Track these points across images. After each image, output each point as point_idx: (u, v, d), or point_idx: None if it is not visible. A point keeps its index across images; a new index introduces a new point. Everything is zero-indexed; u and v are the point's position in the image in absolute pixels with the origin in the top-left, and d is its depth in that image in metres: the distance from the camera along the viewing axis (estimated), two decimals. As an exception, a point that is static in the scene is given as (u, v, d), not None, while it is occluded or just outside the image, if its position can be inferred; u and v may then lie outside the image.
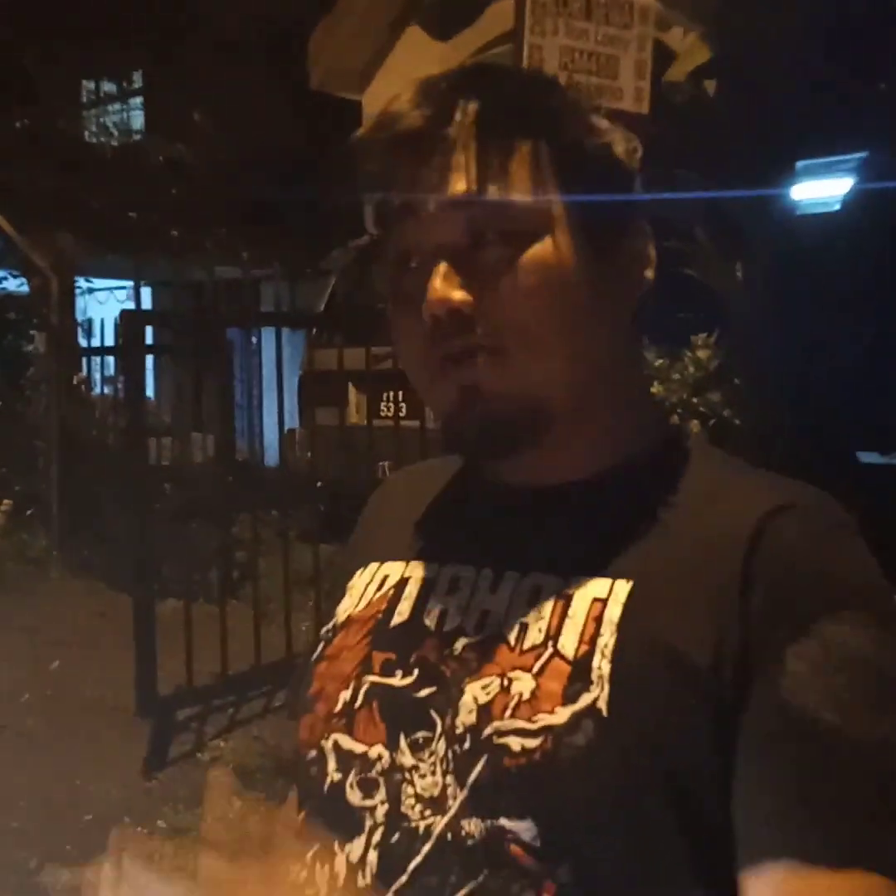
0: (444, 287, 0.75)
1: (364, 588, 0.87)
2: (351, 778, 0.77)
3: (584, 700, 0.71)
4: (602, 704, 0.70)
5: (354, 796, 0.76)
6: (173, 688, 4.51)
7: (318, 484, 5.25)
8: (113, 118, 9.12)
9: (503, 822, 0.70)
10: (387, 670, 0.79)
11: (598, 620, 0.73)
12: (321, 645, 0.86)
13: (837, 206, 4.06)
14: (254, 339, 6.12)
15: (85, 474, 6.74)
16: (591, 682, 0.71)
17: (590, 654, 0.72)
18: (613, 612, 0.74)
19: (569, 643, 0.73)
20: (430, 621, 0.80)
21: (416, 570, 0.84)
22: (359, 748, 0.77)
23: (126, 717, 4.47)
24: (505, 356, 0.76)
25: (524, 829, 0.69)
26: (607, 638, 0.73)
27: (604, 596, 0.75)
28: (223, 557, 5.14)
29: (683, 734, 0.70)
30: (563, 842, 0.69)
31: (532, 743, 0.70)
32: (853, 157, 4.19)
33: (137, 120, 9.34)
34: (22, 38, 7.59)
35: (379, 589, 0.85)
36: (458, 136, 0.76)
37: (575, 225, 0.78)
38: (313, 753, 0.80)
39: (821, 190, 4.44)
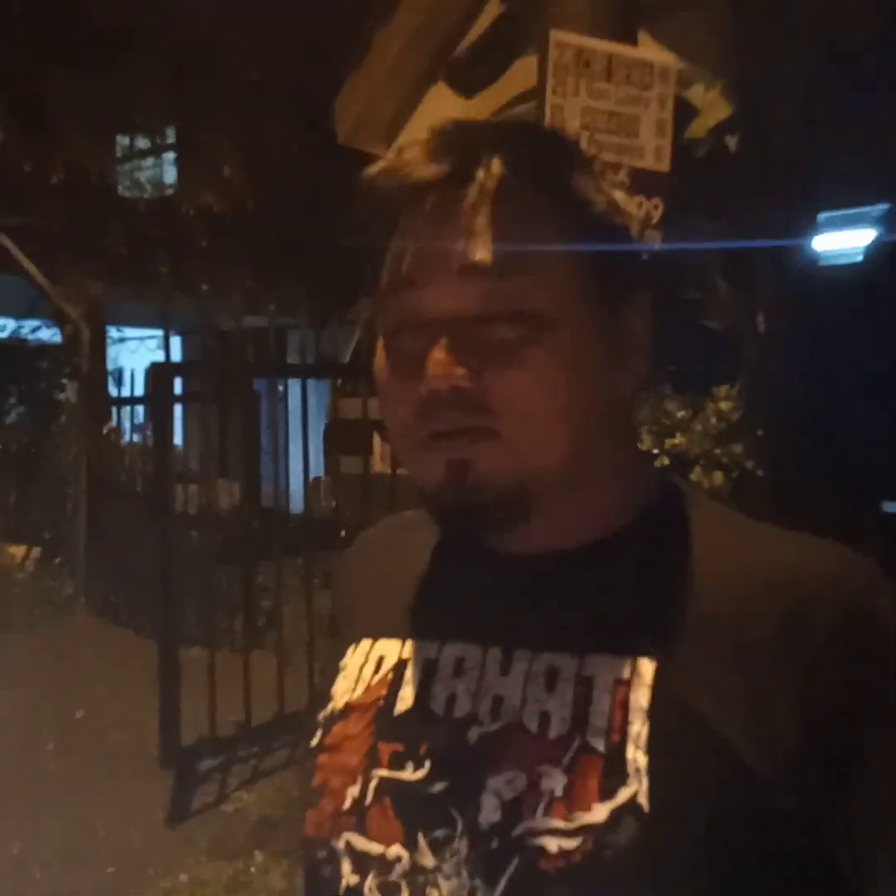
0: (448, 363, 0.71)
1: (359, 670, 0.81)
2: (369, 881, 0.72)
3: (623, 795, 0.66)
4: (642, 799, 0.66)
5: None
6: (196, 738, 4.52)
7: (343, 532, 5.27)
8: (146, 172, 9.32)
9: None
10: (396, 763, 0.74)
11: (625, 706, 0.69)
12: (320, 733, 0.81)
13: (860, 258, 4.07)
14: (280, 388, 6.18)
15: (113, 521, 6.79)
16: (628, 775, 0.67)
17: (622, 745, 0.68)
18: (641, 697, 0.69)
19: (597, 733, 0.68)
20: (437, 708, 0.74)
21: (415, 650, 0.78)
22: (375, 849, 0.72)
23: (149, 767, 4.47)
24: (497, 439, 0.72)
25: None
26: (638, 727, 0.68)
27: (627, 677, 0.70)
28: (248, 605, 5.15)
29: (733, 826, 0.66)
30: None
31: (570, 843, 0.66)
32: (875, 209, 4.21)
33: (170, 174, 9.54)
34: (57, 92, 7.79)
35: (376, 671, 0.80)
36: (479, 199, 0.71)
37: (590, 312, 0.74)
38: (324, 853, 0.75)
39: (843, 241, 4.46)
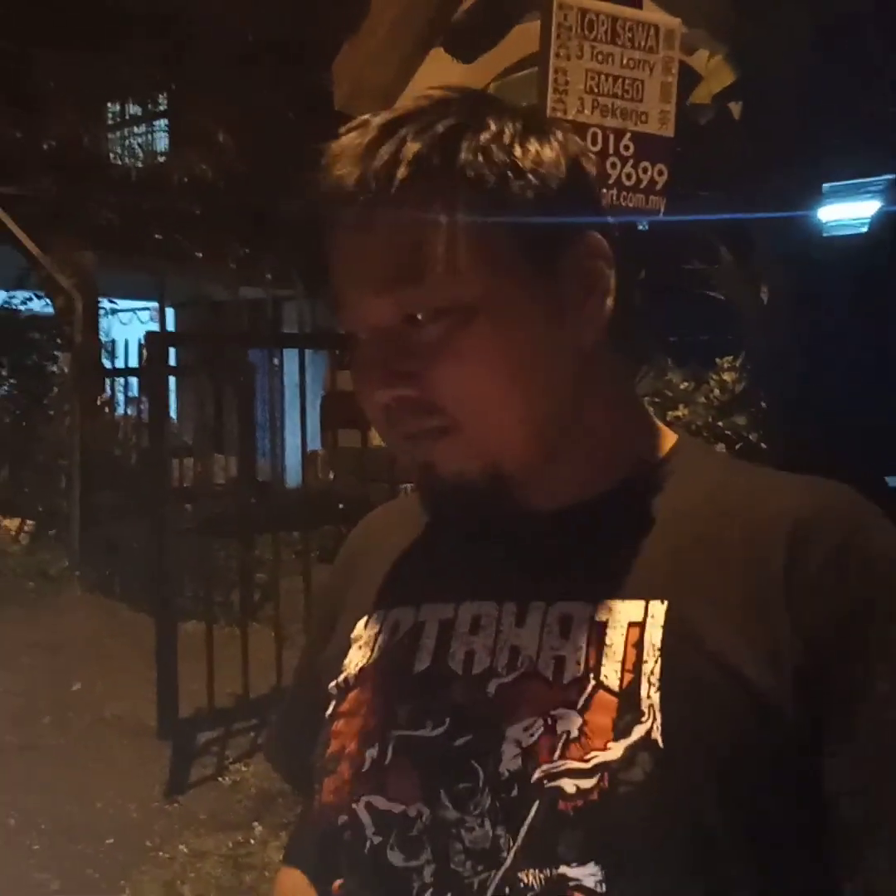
0: (387, 375, 0.73)
1: (374, 638, 0.81)
2: (391, 839, 0.72)
3: (638, 732, 0.67)
4: (657, 735, 0.67)
5: (396, 858, 0.72)
6: (194, 710, 4.50)
7: (340, 506, 5.24)
8: (138, 139, 9.20)
9: (563, 869, 0.66)
10: (415, 722, 0.74)
11: (639, 646, 0.70)
12: (333, 702, 0.81)
13: (864, 229, 4.03)
14: (276, 360, 6.13)
15: (107, 494, 6.76)
16: (642, 713, 0.68)
17: (636, 684, 0.69)
18: (654, 636, 0.70)
19: (611, 674, 0.70)
20: (456, 665, 0.75)
21: (429, 614, 0.79)
22: (396, 808, 0.73)
23: (147, 739, 4.46)
24: (459, 433, 0.73)
25: (588, 874, 0.66)
26: (651, 664, 0.69)
27: (640, 619, 0.71)
28: (245, 579, 5.13)
29: (746, 755, 0.67)
30: (630, 883, 0.66)
31: (587, 783, 0.67)
32: (880, 180, 4.16)
33: (162, 141, 9.42)
34: (47, 61, 7.68)
35: (392, 637, 0.80)
36: (379, 211, 0.71)
37: (513, 282, 0.73)
38: (345, 818, 0.75)
39: (848, 212, 4.42)
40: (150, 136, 9.37)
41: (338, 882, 0.77)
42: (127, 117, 9.40)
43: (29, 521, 7.28)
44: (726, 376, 3.83)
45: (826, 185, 4.33)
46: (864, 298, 3.94)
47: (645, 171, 2.96)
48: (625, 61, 2.94)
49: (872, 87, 3.90)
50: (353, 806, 0.75)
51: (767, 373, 3.80)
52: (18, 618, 6.13)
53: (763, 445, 3.71)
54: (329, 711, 0.81)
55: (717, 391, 3.83)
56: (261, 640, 4.74)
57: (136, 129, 9.36)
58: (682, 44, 3.46)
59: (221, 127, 7.60)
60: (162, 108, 9.26)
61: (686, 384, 3.79)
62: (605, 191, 2.89)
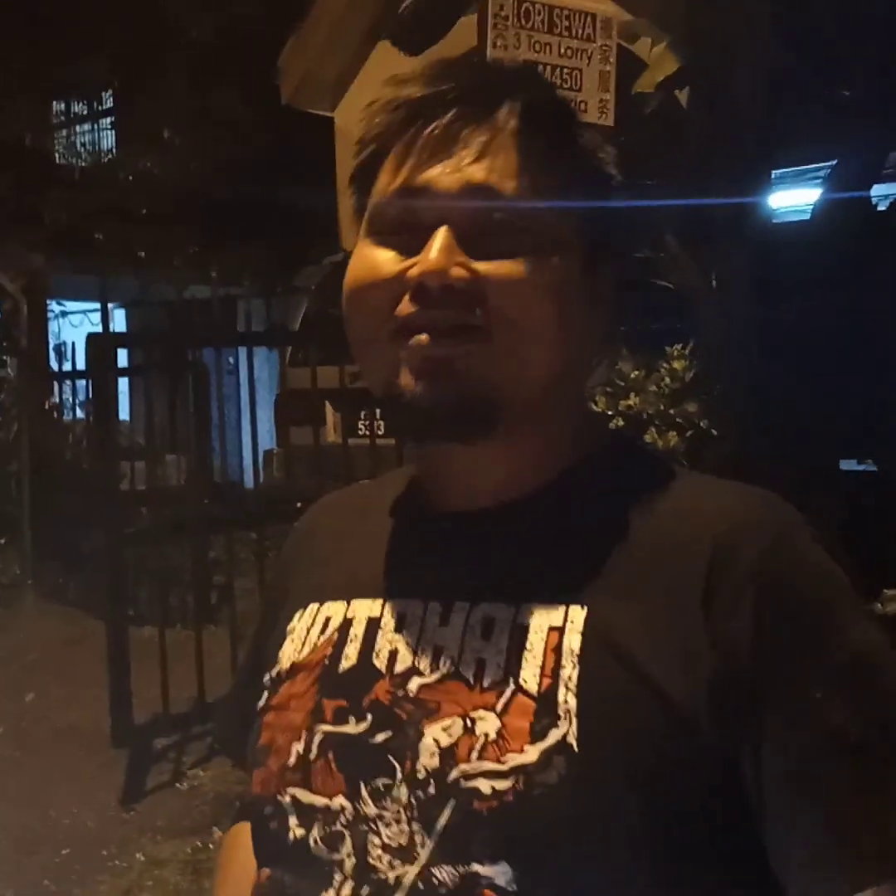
0: (443, 256, 0.72)
1: (306, 632, 0.83)
2: (315, 832, 0.73)
3: (553, 736, 0.68)
4: (572, 739, 0.68)
5: (320, 851, 0.73)
6: (150, 716, 4.44)
7: (298, 504, 5.19)
8: (83, 138, 9.07)
9: (476, 867, 0.67)
10: (339, 718, 0.76)
11: (558, 651, 0.71)
12: (266, 694, 0.83)
13: (810, 214, 4.06)
14: (231, 359, 6.06)
15: (58, 499, 6.66)
16: (559, 717, 0.69)
17: (554, 688, 0.70)
18: (572, 642, 0.71)
19: (530, 678, 0.71)
20: (379, 663, 0.76)
21: (359, 609, 0.80)
22: (319, 801, 0.74)
23: (102, 747, 4.39)
24: (486, 342, 0.73)
25: (499, 873, 0.67)
26: (569, 670, 0.70)
27: (559, 624, 0.72)
28: (200, 580, 5.07)
29: (660, 762, 0.67)
30: (540, 883, 0.67)
31: (503, 784, 0.68)
32: (825, 166, 4.19)
33: (108, 139, 9.29)
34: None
35: (322, 632, 0.81)
36: (503, 121, 0.74)
37: (577, 256, 0.77)
38: (271, 809, 0.77)
39: (796, 198, 4.44)
40: (96, 135, 9.25)
41: (265, 871, 0.78)
42: (72, 115, 9.26)
43: (-21, 529, 7.15)
44: (676, 364, 3.82)
45: (775, 172, 4.34)
46: (813, 283, 3.96)
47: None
48: (562, 51, 2.94)
49: (822, 72, 3.91)
50: (279, 798, 0.76)
51: (718, 359, 3.81)
52: (-30, 627, 6.02)
53: (714, 432, 3.71)
54: (261, 703, 0.83)
55: (667, 379, 3.82)
56: (218, 642, 4.69)
57: (81, 128, 9.23)
58: (624, 32, 3.46)
59: (167, 123, 7.52)
60: (107, 105, 9.14)
61: (636, 373, 3.78)
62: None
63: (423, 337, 0.73)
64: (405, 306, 0.74)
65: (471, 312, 0.73)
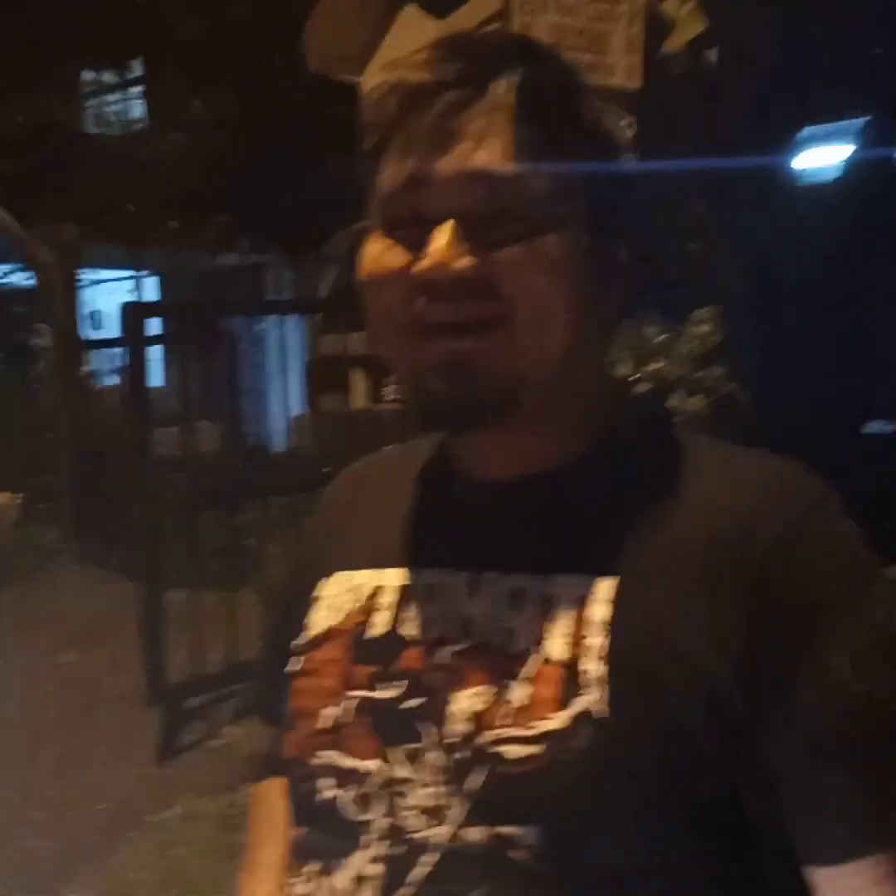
0: (452, 250, 0.71)
1: (336, 599, 0.84)
2: (347, 794, 0.76)
3: (581, 704, 0.70)
4: (599, 707, 0.69)
5: (351, 811, 0.75)
6: (184, 676, 4.53)
7: (326, 470, 5.25)
8: (114, 108, 9.09)
9: (506, 829, 0.69)
10: (372, 684, 0.77)
11: (587, 621, 0.72)
12: (297, 659, 0.84)
13: (838, 173, 4.00)
14: (260, 327, 6.10)
15: (96, 466, 6.76)
16: (588, 685, 0.70)
17: (582, 657, 0.71)
18: (602, 612, 0.72)
19: (559, 646, 0.72)
20: (412, 631, 0.78)
21: (390, 578, 0.81)
22: (353, 764, 0.76)
23: (138, 707, 4.49)
24: (504, 330, 0.73)
25: (527, 835, 0.69)
26: (598, 639, 0.71)
27: (587, 594, 0.73)
28: (233, 545, 5.15)
29: (687, 732, 0.68)
30: (567, 847, 0.68)
31: (532, 750, 0.69)
32: (855, 123, 4.13)
33: (138, 109, 9.31)
34: (19, 30, 7.56)
35: (355, 600, 0.82)
36: (500, 101, 0.72)
37: (587, 231, 0.75)
38: (303, 771, 0.79)
39: (824, 157, 4.38)
40: (125, 105, 9.27)
41: (299, 830, 0.81)
42: (102, 86, 9.28)
43: (19, 495, 7.28)
44: (703, 328, 3.80)
45: (802, 131, 4.29)
46: (841, 244, 3.92)
47: (630, 126, 2.93)
48: (590, 14, 2.91)
49: (849, 30, 3.85)
50: (312, 760, 0.78)
51: (744, 323, 3.80)
52: (11, 591, 6.15)
53: (740, 397, 3.70)
54: (292, 669, 0.84)
55: (693, 343, 3.81)
56: (250, 604, 4.76)
57: (111, 99, 9.25)
58: (651, -8, 3.42)
59: (197, 95, 7.52)
60: (137, 75, 9.15)
61: (662, 337, 3.77)
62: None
63: (443, 333, 0.73)
64: (418, 303, 0.73)
65: (485, 303, 0.72)
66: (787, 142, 4.11)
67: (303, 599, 0.88)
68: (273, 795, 0.91)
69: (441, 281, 0.72)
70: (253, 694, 1.04)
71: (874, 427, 3.83)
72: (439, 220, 0.72)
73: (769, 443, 0.81)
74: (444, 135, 0.72)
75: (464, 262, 0.71)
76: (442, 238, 0.72)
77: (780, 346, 3.70)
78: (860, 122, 4.09)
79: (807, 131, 4.28)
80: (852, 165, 3.90)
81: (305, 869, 0.78)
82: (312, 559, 0.91)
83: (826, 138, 4.27)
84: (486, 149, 0.72)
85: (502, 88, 0.72)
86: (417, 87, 0.73)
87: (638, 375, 3.76)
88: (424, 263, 0.72)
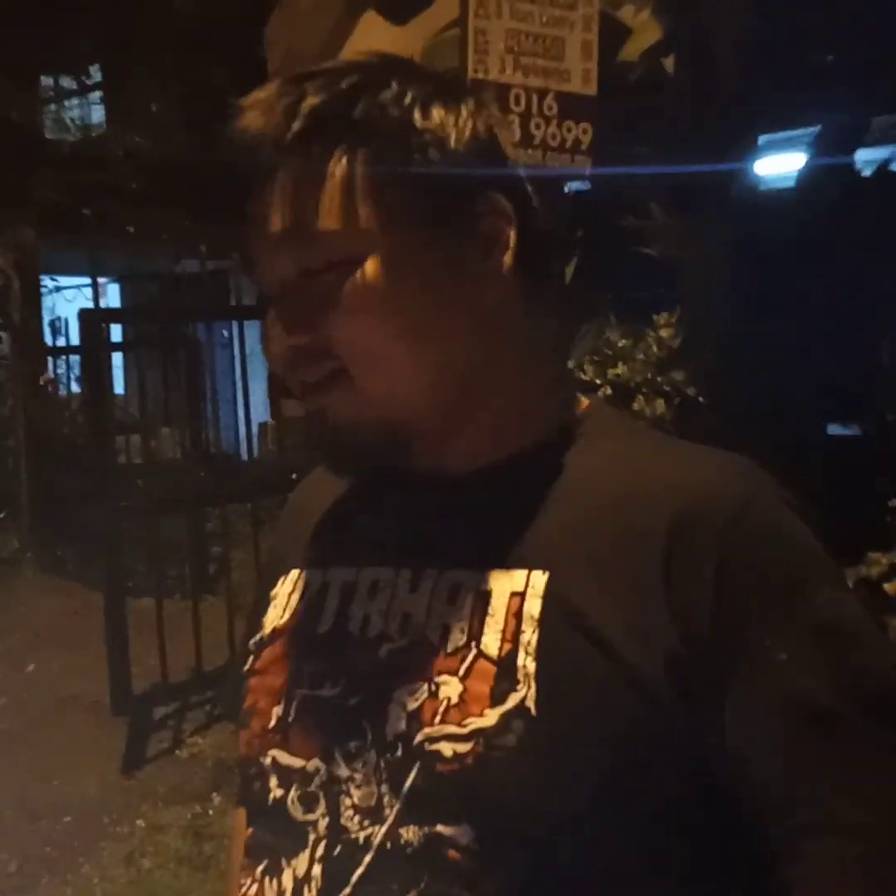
0: (282, 326, 0.75)
1: (287, 598, 0.85)
2: (292, 793, 0.76)
3: (512, 700, 0.69)
4: (530, 703, 0.69)
5: (297, 811, 0.75)
6: (149, 685, 4.51)
7: (293, 476, 5.23)
8: (72, 113, 9.01)
9: (440, 828, 0.69)
10: (316, 682, 0.78)
11: (519, 616, 0.72)
12: (251, 658, 0.85)
13: (797, 180, 4.06)
14: (224, 333, 6.08)
15: (55, 473, 6.70)
16: (518, 681, 0.70)
17: (514, 653, 0.71)
18: (533, 607, 0.72)
19: (491, 642, 0.72)
20: (353, 628, 0.78)
21: (336, 575, 0.82)
22: (297, 763, 0.76)
23: (103, 717, 4.46)
24: (352, 380, 0.75)
25: (461, 834, 0.69)
26: (529, 634, 0.71)
27: (521, 589, 0.73)
28: (197, 552, 5.12)
29: (615, 729, 0.68)
30: (500, 844, 0.69)
31: (463, 747, 0.69)
32: (809, 131, 4.19)
33: (97, 114, 9.22)
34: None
35: (302, 598, 0.83)
36: (280, 161, 0.74)
37: (403, 241, 0.74)
38: (254, 770, 0.80)
39: (782, 165, 4.44)
40: (85, 110, 9.18)
41: (249, 830, 0.81)
42: (61, 90, 9.19)
43: (-22, 504, 7.19)
44: (663, 332, 3.84)
45: (762, 138, 4.34)
46: (800, 250, 3.98)
47: (569, 130, 2.95)
48: (544, 19, 2.93)
49: (805, 37, 3.91)
50: (261, 759, 0.79)
51: (705, 327, 3.84)
52: (-29, 601, 6.08)
53: (702, 400, 3.74)
54: (246, 667, 0.85)
55: (655, 347, 3.85)
56: (215, 612, 4.75)
57: (70, 103, 9.16)
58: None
59: (156, 99, 7.46)
60: (96, 80, 9.07)
61: (624, 342, 3.81)
62: (530, 151, 2.88)
63: (305, 394, 0.77)
64: (285, 373, 0.77)
65: (325, 363, 0.75)
66: (746, 148, 4.16)
67: (264, 599, 0.89)
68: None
69: (284, 358, 0.76)
70: (224, 700, 1.02)
71: (834, 431, 3.88)
72: (271, 293, 0.77)
73: (732, 445, 0.79)
74: (254, 205, 0.76)
75: (290, 340, 0.75)
76: (270, 325, 0.76)
77: (742, 349, 3.74)
78: (818, 128, 4.15)
79: (765, 139, 4.33)
80: (811, 172, 3.95)
81: (257, 869, 0.78)
82: (274, 560, 0.93)
83: (784, 146, 4.33)
84: (276, 216, 0.74)
85: (282, 136, 0.73)
86: (236, 150, 0.76)
87: (599, 380, 3.80)
88: (266, 350, 0.77)
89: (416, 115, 0.75)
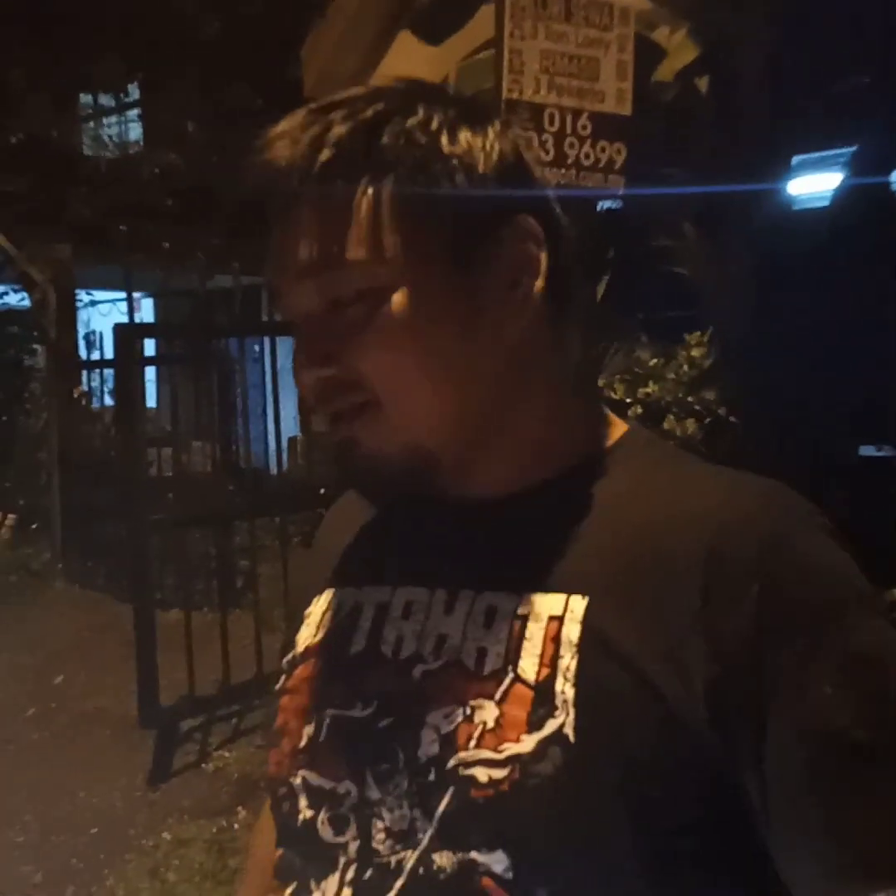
0: (311, 359, 0.75)
1: (321, 617, 0.84)
2: (322, 815, 0.75)
3: (550, 727, 0.68)
4: (568, 730, 0.68)
5: (327, 833, 0.75)
6: (177, 698, 4.52)
7: (322, 491, 5.25)
8: (110, 131, 9.14)
9: (474, 854, 0.68)
10: (346, 702, 0.77)
11: (557, 641, 0.71)
12: (283, 677, 0.84)
13: (831, 200, 4.05)
14: (256, 348, 6.12)
15: (87, 487, 6.75)
16: (556, 708, 0.68)
17: (552, 678, 0.69)
18: (572, 632, 0.71)
19: (529, 667, 0.70)
20: (386, 649, 0.77)
21: (370, 596, 0.81)
22: (327, 784, 0.75)
23: (129, 729, 4.47)
24: (379, 410, 0.74)
25: (496, 861, 0.68)
26: (568, 660, 0.70)
27: (560, 613, 0.72)
28: (225, 566, 5.14)
29: (652, 758, 0.67)
30: (535, 872, 0.67)
31: (499, 773, 0.68)
32: (844, 152, 4.18)
33: (135, 131, 9.36)
34: (18, 52, 7.61)
35: (335, 617, 0.83)
36: (307, 193, 0.73)
37: (431, 269, 0.74)
38: (284, 790, 0.79)
39: (816, 185, 4.43)
40: (122, 128, 9.32)
41: (279, 851, 0.80)
42: (98, 108, 9.33)
43: (10, 516, 7.26)
44: (695, 352, 3.83)
45: (796, 158, 4.33)
46: (832, 270, 3.96)
47: (603, 150, 2.96)
48: (580, 40, 2.94)
49: (839, 58, 3.90)
50: (291, 780, 0.78)
51: (736, 347, 3.82)
52: (1, 612, 6.13)
53: (732, 419, 3.72)
54: (278, 686, 0.84)
55: (686, 367, 3.83)
56: (243, 626, 4.76)
57: (107, 120, 9.30)
58: (643, 20, 3.46)
59: (192, 117, 7.55)
60: (133, 98, 9.21)
61: (655, 361, 3.79)
62: (563, 171, 2.88)
63: (333, 424, 0.77)
64: (315, 404, 0.77)
65: (354, 394, 0.75)
66: (779, 168, 4.15)
67: (298, 618, 0.88)
68: (270, 822, 0.90)
69: (314, 389, 0.75)
70: (266, 715, 1.03)
71: (866, 451, 3.85)
72: (298, 325, 0.76)
73: (762, 465, 0.78)
74: (279, 236, 0.75)
75: (320, 372, 0.74)
76: (299, 355, 0.75)
77: (774, 369, 3.72)
78: (852, 149, 4.14)
79: (799, 159, 4.32)
80: (845, 192, 3.94)
81: (286, 892, 0.77)
82: (308, 579, 0.92)
83: (818, 166, 4.31)
84: (302, 248, 0.73)
85: (308, 169, 0.72)
86: (262, 182, 0.75)
87: (629, 399, 3.78)
88: (296, 380, 0.76)
89: (444, 140, 0.74)
